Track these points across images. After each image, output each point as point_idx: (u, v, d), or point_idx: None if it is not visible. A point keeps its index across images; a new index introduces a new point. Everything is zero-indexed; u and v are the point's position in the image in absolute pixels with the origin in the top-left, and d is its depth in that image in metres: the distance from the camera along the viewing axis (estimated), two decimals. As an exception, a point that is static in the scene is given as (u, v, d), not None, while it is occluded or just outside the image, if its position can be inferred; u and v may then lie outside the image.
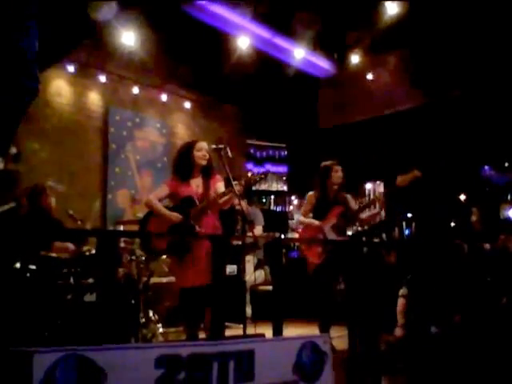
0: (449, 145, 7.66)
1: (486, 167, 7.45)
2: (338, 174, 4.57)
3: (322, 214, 4.45)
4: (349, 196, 4.64)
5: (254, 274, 5.75)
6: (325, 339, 2.11)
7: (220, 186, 3.67)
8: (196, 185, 3.67)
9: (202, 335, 3.67)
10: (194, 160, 3.64)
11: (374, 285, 3.09)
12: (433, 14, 6.94)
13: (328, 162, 4.66)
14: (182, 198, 3.59)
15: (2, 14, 1.30)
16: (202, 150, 3.66)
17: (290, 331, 4.44)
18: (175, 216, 3.52)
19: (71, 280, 4.05)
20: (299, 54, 7.83)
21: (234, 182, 3.36)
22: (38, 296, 3.72)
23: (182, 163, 3.69)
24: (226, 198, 3.50)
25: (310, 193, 4.60)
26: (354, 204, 4.58)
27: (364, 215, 4.52)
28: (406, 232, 6.51)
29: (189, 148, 3.69)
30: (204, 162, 3.66)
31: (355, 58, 8.25)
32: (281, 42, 7.69)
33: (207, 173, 3.71)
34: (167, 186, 3.73)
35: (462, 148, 7.52)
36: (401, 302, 4.10)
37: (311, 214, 4.57)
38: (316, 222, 4.43)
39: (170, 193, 3.70)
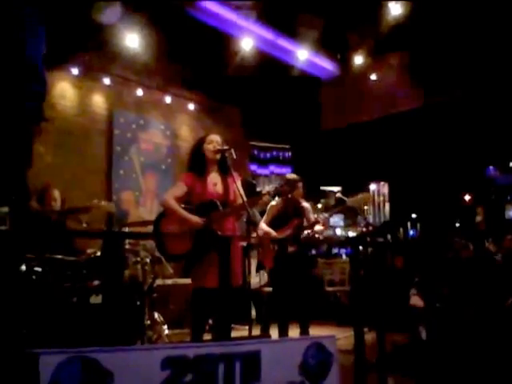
0: (453, 145, 7.65)
1: (491, 168, 7.43)
2: (301, 190, 4.85)
3: (281, 223, 4.72)
4: (308, 207, 4.91)
5: (258, 275, 5.74)
6: (331, 340, 2.10)
7: (238, 187, 3.45)
8: (213, 182, 3.50)
9: (206, 337, 3.66)
10: (205, 153, 3.49)
11: (380, 285, 3.08)
12: (435, 15, 6.93)
13: (294, 176, 4.91)
14: (203, 201, 3.41)
15: (8, 19, 1.31)
16: (213, 143, 3.49)
17: (295, 332, 4.45)
18: (196, 220, 3.33)
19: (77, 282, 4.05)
20: (302, 55, 7.83)
21: (266, 191, 3.34)
22: (44, 298, 3.72)
23: (195, 158, 3.55)
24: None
25: (273, 203, 4.76)
26: (311, 215, 4.84)
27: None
28: (411, 232, 6.50)
29: (199, 142, 3.56)
30: (214, 155, 3.49)
31: (358, 59, 8.25)
32: (284, 43, 7.70)
33: (223, 169, 3.53)
34: (183, 183, 3.50)
35: (466, 148, 7.51)
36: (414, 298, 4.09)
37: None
38: (274, 233, 4.65)
39: (187, 190, 3.47)
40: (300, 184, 4.84)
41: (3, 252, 2.31)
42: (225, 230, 3.39)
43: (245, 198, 3.36)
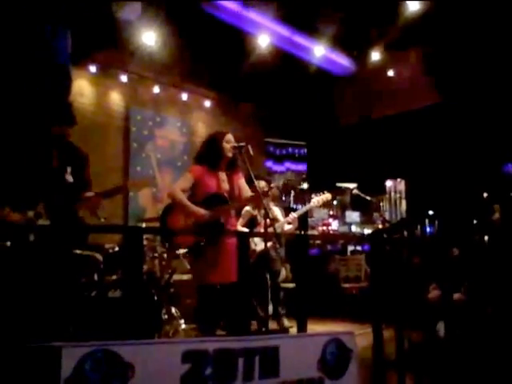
0: (471, 142, 7.55)
1: (509, 164, 7.32)
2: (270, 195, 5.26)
3: (254, 226, 5.08)
4: (277, 210, 5.30)
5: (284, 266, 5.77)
6: (350, 336, 2.10)
7: (243, 183, 3.61)
8: (222, 179, 3.57)
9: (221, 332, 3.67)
10: (223, 151, 3.54)
11: (398, 281, 3.07)
12: (454, 11, 6.85)
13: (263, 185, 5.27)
14: (212, 195, 3.48)
15: (37, 21, 1.35)
16: (230, 142, 3.55)
17: (313, 328, 4.44)
18: (202, 213, 3.38)
19: (95, 277, 4.09)
20: (319, 51, 7.80)
21: (273, 184, 3.46)
22: (63, 292, 3.76)
23: (210, 153, 3.58)
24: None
25: (247, 208, 5.14)
26: (280, 216, 5.18)
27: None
28: (428, 229, 6.43)
29: (218, 138, 3.59)
30: (231, 155, 3.55)
31: (375, 55, 8.19)
32: (300, 39, 7.68)
33: (232, 167, 3.62)
34: (191, 175, 3.56)
35: (484, 145, 7.42)
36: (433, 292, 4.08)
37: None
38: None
39: (194, 182, 3.53)
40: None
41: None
42: (229, 226, 3.49)
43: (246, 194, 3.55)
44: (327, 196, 4.88)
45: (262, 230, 4.96)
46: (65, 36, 1.40)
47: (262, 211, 5.08)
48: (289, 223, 4.94)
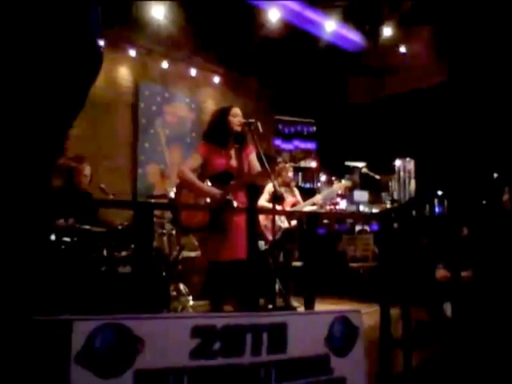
0: (482, 121, 7.47)
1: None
2: (285, 176, 5.45)
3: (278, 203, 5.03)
4: (297, 191, 5.52)
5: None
6: (357, 314, 2.11)
7: (253, 159, 3.57)
8: (230, 155, 3.54)
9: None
10: (230, 126, 3.50)
11: (406, 261, 3.07)
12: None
13: (280, 166, 5.48)
14: (220, 173, 3.46)
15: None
16: (238, 116, 3.51)
17: (321, 307, 4.47)
18: (214, 192, 3.37)
19: (104, 253, 4.14)
20: (330, 26, 7.68)
21: (280, 162, 3.45)
22: (73, 267, 3.81)
23: (217, 129, 3.53)
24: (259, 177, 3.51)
25: (271, 184, 5.10)
26: (299, 196, 5.49)
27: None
28: (437, 209, 6.41)
29: (224, 113, 3.54)
30: (239, 129, 3.50)
31: (387, 31, 8.04)
32: (311, 14, 7.55)
33: (241, 142, 3.57)
34: (199, 154, 3.55)
35: (495, 124, 7.33)
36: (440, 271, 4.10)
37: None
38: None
39: (202, 161, 3.52)
40: (283, 172, 5.45)
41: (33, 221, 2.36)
42: (239, 202, 3.44)
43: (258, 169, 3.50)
44: (347, 183, 5.46)
45: (288, 208, 5.07)
46: (96, 10, 1.41)
47: (286, 188, 5.17)
48: (313, 204, 5.05)
